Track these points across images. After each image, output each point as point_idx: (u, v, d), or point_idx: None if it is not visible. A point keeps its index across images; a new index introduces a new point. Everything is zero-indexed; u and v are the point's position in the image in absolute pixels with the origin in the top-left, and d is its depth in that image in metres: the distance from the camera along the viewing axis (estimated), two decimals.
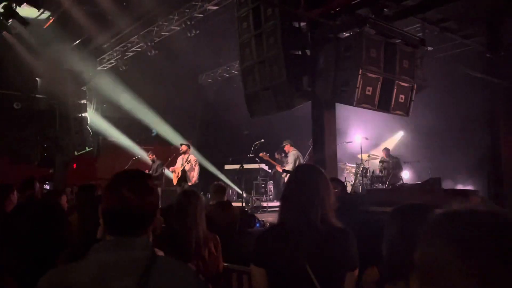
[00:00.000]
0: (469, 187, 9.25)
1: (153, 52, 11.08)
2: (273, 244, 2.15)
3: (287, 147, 9.63)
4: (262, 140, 9.92)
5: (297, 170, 2.40)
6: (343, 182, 5.17)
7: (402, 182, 10.41)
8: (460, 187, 9.50)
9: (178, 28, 10.29)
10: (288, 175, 3.65)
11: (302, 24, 6.85)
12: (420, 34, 7.32)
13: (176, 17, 10.11)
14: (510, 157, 8.02)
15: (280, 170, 9.41)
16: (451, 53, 9.42)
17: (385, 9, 6.54)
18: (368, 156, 10.86)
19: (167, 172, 11.09)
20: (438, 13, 7.51)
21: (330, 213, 2.17)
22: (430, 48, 8.71)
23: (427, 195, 5.10)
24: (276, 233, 2.22)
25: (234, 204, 6.71)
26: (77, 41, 11.47)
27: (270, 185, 12.18)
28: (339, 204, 2.59)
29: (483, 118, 7.84)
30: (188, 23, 9.80)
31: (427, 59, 7.31)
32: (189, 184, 9.94)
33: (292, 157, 9.36)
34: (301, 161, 9.41)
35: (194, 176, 10.02)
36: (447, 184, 8.38)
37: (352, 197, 4.82)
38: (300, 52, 6.84)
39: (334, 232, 2.12)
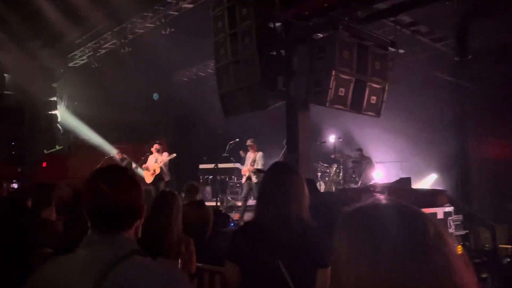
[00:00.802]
0: (438, 187, 9.53)
1: (126, 49, 10.91)
2: (248, 240, 2.19)
3: (254, 147, 9.51)
4: (237, 139, 9.92)
5: (273, 168, 2.43)
6: (315, 182, 5.23)
7: (374, 182, 10.60)
8: (429, 186, 9.78)
9: (153, 25, 10.17)
10: (263, 174, 3.67)
11: (277, 24, 6.89)
12: (392, 36, 7.46)
13: (150, 14, 9.99)
14: (478, 157, 8.30)
15: (246, 173, 9.29)
16: (422, 56, 9.65)
17: (358, 12, 6.65)
18: (342, 156, 11.01)
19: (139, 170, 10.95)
20: (409, 17, 7.68)
21: (305, 212, 2.21)
22: (401, 51, 8.91)
23: (397, 194, 5.22)
24: (251, 230, 2.26)
25: (208, 203, 6.69)
26: (48, 37, 11.18)
27: None
28: (311, 204, 2.64)
29: (452, 119, 8.08)
30: (163, 20, 9.70)
31: (398, 61, 7.48)
32: (165, 180, 9.89)
33: (261, 156, 9.36)
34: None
35: (166, 173, 9.99)
36: (417, 184, 8.61)
37: (324, 196, 4.89)
38: (275, 53, 6.88)
39: (308, 230, 2.16)
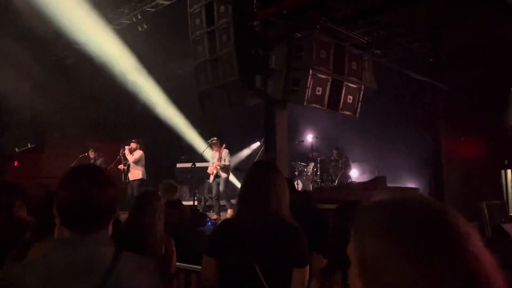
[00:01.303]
0: (412, 186, 9.73)
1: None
2: (227, 236, 2.19)
3: (218, 144, 9.45)
4: (215, 138, 9.86)
5: (255, 167, 2.44)
6: (292, 181, 5.25)
7: (350, 180, 10.74)
8: (403, 185, 9.97)
9: (129, 22, 10.01)
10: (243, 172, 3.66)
11: (256, 23, 6.88)
12: (368, 37, 7.57)
13: (126, 10, 9.83)
14: (450, 157, 8.49)
15: (214, 171, 9.24)
16: (397, 56, 9.83)
17: (336, 12, 6.72)
18: (319, 155, 11.11)
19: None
20: (385, 18, 7.81)
21: (285, 210, 2.22)
22: (377, 51, 9.05)
23: (372, 193, 5.30)
24: (230, 226, 2.27)
25: (186, 203, 6.64)
26: (20, 31, 10.84)
27: None
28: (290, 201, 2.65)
29: (426, 119, 8.25)
30: (139, 17, 9.56)
31: (374, 62, 7.59)
32: (140, 178, 9.79)
33: (227, 153, 9.35)
34: None
35: (141, 171, 9.90)
36: (392, 183, 8.75)
37: (300, 195, 4.92)
38: (253, 51, 6.87)
39: (286, 229, 2.16)
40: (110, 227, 1.44)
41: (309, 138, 11.23)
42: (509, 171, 7.84)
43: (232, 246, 2.13)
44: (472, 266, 0.75)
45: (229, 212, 8.62)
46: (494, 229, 6.05)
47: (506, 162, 8.32)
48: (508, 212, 6.99)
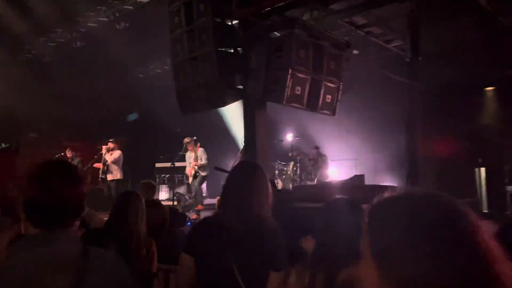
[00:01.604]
0: (390, 184, 9.89)
1: (78, 43, 10.52)
2: (205, 235, 2.18)
3: (192, 144, 9.39)
4: (195, 137, 9.81)
5: (239, 167, 2.44)
6: (272, 180, 5.27)
7: (329, 179, 10.85)
8: (381, 183, 10.12)
9: (106, 19, 9.86)
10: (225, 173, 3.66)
11: (235, 22, 6.87)
12: (347, 37, 7.66)
13: (104, 8, 9.68)
14: (426, 157, 8.66)
15: (192, 172, 9.18)
16: (376, 56, 9.96)
17: (315, 12, 6.77)
18: (299, 154, 11.19)
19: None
20: (363, 18, 7.91)
21: (267, 212, 2.22)
22: (356, 52, 9.16)
23: (351, 191, 5.36)
24: (210, 225, 2.25)
25: (165, 203, 6.58)
26: None
27: (204, 184, 12.09)
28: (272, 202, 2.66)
29: (402, 118, 8.40)
30: (117, 14, 9.44)
31: (353, 62, 7.68)
32: (117, 179, 9.66)
33: (202, 151, 9.32)
34: None
35: (118, 172, 9.79)
36: (370, 181, 8.88)
37: (280, 193, 4.94)
38: (232, 50, 6.86)
39: (265, 231, 2.15)
40: (77, 224, 1.43)
41: (289, 137, 11.29)
42: (482, 169, 8.06)
43: (210, 245, 2.12)
44: (483, 256, 0.80)
45: (199, 207, 8.65)
46: None
47: (480, 160, 8.55)
48: (482, 209, 7.19)
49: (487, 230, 0.84)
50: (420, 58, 8.11)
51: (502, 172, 8.17)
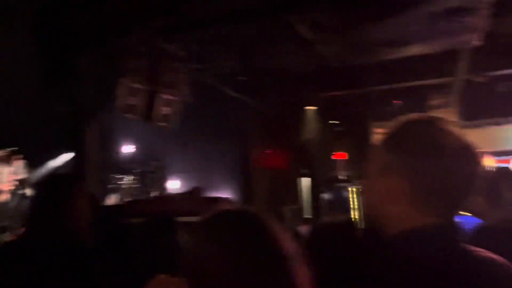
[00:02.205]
0: (227, 195, 10.32)
1: None
2: (6, 262, 1.90)
3: (4, 158, 8.40)
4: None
5: (48, 181, 2.19)
6: (95, 195, 4.95)
7: (167, 192, 10.78)
8: (220, 195, 10.50)
9: None
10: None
11: (67, 26, 6.34)
12: (185, 51, 7.73)
13: None
14: (258, 168, 9.31)
15: (6, 188, 8.10)
16: (214, 72, 10.31)
17: (155, 23, 6.67)
18: (136, 167, 10.85)
19: None
20: (201, 34, 8.10)
21: (82, 229, 2.03)
22: (195, 66, 9.34)
23: (188, 203, 5.42)
24: (13, 250, 1.98)
25: None
26: None
27: None
28: (94, 219, 2.48)
29: (237, 133, 8.89)
30: None
31: (192, 76, 7.79)
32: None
33: (21, 164, 8.38)
34: None
35: None
36: (209, 193, 9.12)
37: (109, 209, 4.69)
38: (63, 56, 6.31)
39: (77, 251, 1.95)
40: None
41: (126, 149, 10.87)
42: (304, 179, 9.04)
43: (12, 272, 1.87)
44: (283, 261, 0.89)
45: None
46: (292, 233, 6.86)
47: (304, 171, 9.57)
48: (303, 215, 8.03)
49: (290, 239, 0.94)
50: (247, 78, 8.69)
51: (320, 181, 9.30)
